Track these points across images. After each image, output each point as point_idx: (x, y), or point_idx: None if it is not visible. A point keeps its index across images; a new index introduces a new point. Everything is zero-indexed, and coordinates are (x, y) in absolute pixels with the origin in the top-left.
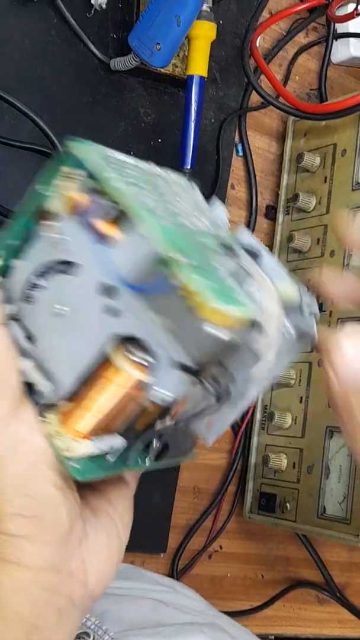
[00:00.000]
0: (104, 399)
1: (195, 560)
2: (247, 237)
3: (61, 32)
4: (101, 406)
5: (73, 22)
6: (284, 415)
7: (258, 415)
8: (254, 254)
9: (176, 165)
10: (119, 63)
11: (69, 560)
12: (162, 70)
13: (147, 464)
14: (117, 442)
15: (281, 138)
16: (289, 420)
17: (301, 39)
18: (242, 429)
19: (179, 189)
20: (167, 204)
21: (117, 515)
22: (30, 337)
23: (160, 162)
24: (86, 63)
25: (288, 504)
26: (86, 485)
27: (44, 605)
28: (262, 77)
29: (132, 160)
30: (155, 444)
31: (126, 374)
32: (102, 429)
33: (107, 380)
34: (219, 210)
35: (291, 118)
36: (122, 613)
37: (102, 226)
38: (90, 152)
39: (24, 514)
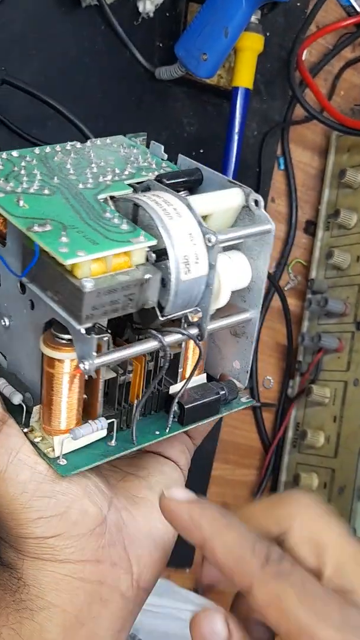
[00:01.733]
0: (62, 392)
1: None
2: (186, 161)
3: (108, 39)
4: (64, 399)
5: (120, 29)
6: (317, 434)
7: (290, 433)
8: (192, 172)
9: None
10: (164, 72)
11: (108, 548)
12: (207, 80)
13: (166, 432)
14: (98, 424)
15: (324, 153)
16: (321, 439)
17: (347, 53)
18: (273, 446)
19: (104, 152)
20: (56, 178)
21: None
22: (4, 355)
23: None
24: (131, 71)
25: None
26: (125, 473)
27: (85, 596)
28: (307, 90)
29: (37, 149)
30: (173, 407)
31: (60, 361)
32: (80, 417)
33: (52, 374)
34: (156, 150)
35: (334, 133)
36: (155, 627)
37: (2, 226)
38: None
39: (46, 515)
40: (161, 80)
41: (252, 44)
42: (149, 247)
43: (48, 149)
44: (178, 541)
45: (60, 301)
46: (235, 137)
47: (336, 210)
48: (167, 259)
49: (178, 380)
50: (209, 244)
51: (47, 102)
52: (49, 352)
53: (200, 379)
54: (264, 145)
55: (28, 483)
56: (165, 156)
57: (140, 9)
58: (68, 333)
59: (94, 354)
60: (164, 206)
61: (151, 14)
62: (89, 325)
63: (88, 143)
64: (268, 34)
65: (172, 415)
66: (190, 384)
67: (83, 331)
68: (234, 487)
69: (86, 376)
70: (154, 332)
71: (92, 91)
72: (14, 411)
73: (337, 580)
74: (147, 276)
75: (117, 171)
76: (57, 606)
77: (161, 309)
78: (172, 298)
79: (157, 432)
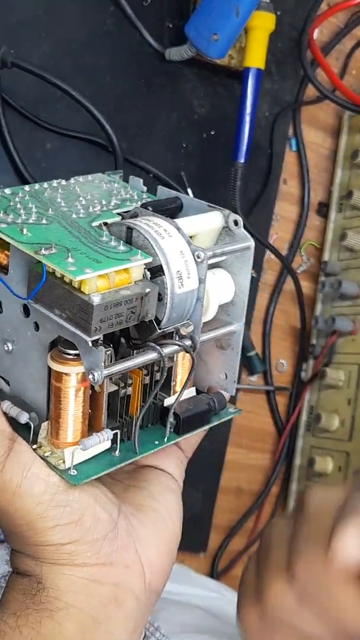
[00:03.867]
0: (69, 405)
1: (235, 561)
2: (165, 192)
3: (117, 20)
4: (70, 412)
5: (129, 10)
6: (331, 417)
7: (304, 417)
8: (172, 201)
9: (229, 158)
10: (175, 53)
11: (121, 552)
12: (217, 61)
13: (165, 441)
14: (104, 435)
15: (336, 133)
16: (336, 422)
17: (359, 32)
18: (287, 430)
19: (88, 188)
20: (51, 210)
21: (162, 508)
22: (7, 380)
23: (213, 155)
24: (141, 52)
25: None
26: (127, 485)
27: (101, 597)
28: (319, 70)
29: (27, 187)
30: (169, 418)
31: (67, 375)
32: (86, 430)
33: (60, 387)
34: (136, 184)
35: (347, 113)
36: (173, 615)
37: (2, 255)
38: None
39: (62, 523)
40: (171, 61)
41: (263, 23)
42: (145, 264)
43: (37, 186)
44: (192, 526)
45: (68, 317)
46: (247, 119)
47: (349, 192)
48: (163, 274)
49: (171, 393)
50: (198, 259)
51: (57, 85)
52: (57, 366)
53: (190, 392)
54: (276, 127)
55: (43, 494)
56: (145, 189)
57: None
58: (74, 348)
59: (102, 364)
60: (155, 228)
61: None
62: (97, 337)
63: (72, 180)
64: (279, 12)
65: (169, 426)
66: (182, 397)
67: (91, 344)
68: (247, 471)
69: (90, 390)
70: (152, 344)
71: (102, 73)
72: (21, 430)
73: None
74: (147, 290)
75: (104, 202)
76: (75, 607)
77: (158, 322)
78: (168, 311)
79: (157, 442)
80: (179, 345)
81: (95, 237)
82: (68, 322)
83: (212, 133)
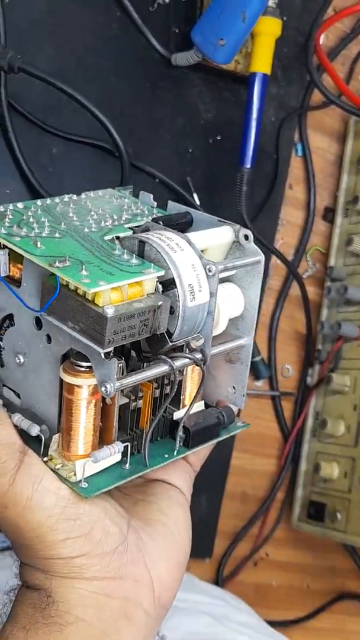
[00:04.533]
0: (80, 417)
1: (240, 567)
2: (176, 207)
3: (123, 25)
4: (82, 424)
5: (135, 15)
6: (337, 422)
7: (310, 422)
8: (183, 216)
9: (235, 163)
10: (181, 58)
11: (131, 566)
12: (224, 66)
13: (174, 454)
14: (115, 448)
15: (342, 138)
16: (341, 428)
17: None
18: (292, 435)
19: (99, 203)
20: (64, 224)
21: (171, 522)
22: (17, 393)
23: (218, 160)
24: (147, 57)
25: (338, 514)
26: (136, 499)
27: (111, 612)
28: (325, 75)
29: (39, 201)
30: (179, 431)
31: (79, 387)
32: (97, 442)
33: (72, 400)
34: (146, 199)
35: (353, 118)
36: (179, 624)
37: (15, 268)
38: None
39: (72, 536)
40: (177, 66)
41: (270, 29)
42: (157, 278)
43: (49, 200)
44: (197, 531)
45: (81, 329)
46: (253, 124)
47: (355, 197)
48: (175, 287)
49: (180, 407)
50: (209, 273)
51: (63, 90)
52: (69, 378)
53: (199, 405)
54: (282, 132)
55: (53, 508)
56: (155, 204)
57: None
58: (86, 361)
59: (115, 376)
60: (167, 242)
61: (167, 0)
62: (110, 349)
63: (83, 195)
64: (285, 18)
65: (179, 439)
66: (191, 411)
67: (103, 355)
68: (253, 476)
69: (101, 403)
70: (164, 357)
71: (108, 78)
72: (32, 443)
73: None
74: (159, 303)
75: (115, 217)
76: (85, 620)
77: (169, 335)
78: (180, 324)
79: (166, 455)
80: (190, 359)
81: (108, 251)
82: (81, 334)
83: (218, 138)
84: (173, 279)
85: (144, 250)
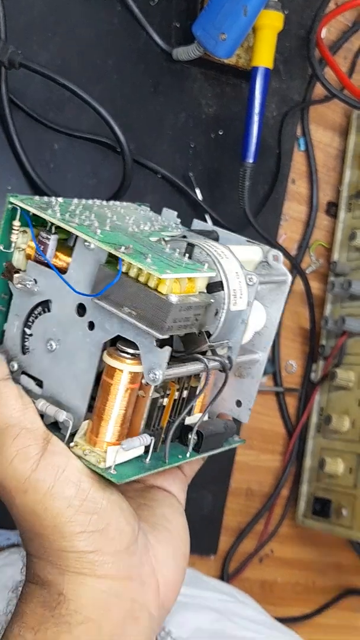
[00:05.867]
0: (116, 403)
1: (246, 564)
2: (201, 224)
3: (124, 20)
4: (116, 411)
5: (136, 10)
6: (342, 418)
7: (314, 418)
8: (209, 233)
9: (237, 158)
10: (182, 53)
11: (139, 567)
12: (225, 60)
13: (187, 456)
14: (143, 440)
15: (344, 132)
16: (346, 423)
17: None
18: (297, 432)
19: (128, 211)
20: (108, 221)
21: (173, 527)
22: (38, 382)
23: (221, 155)
24: (148, 52)
25: (343, 510)
26: (138, 503)
27: (120, 612)
28: (327, 69)
29: (76, 200)
30: (192, 435)
31: (120, 371)
32: (126, 433)
33: (111, 384)
34: (169, 215)
35: (355, 112)
36: (185, 619)
37: (56, 259)
38: (31, 202)
39: (88, 530)
40: (179, 61)
41: (271, 22)
42: (209, 278)
43: (84, 201)
44: (202, 528)
45: (138, 315)
46: (256, 118)
47: (358, 191)
48: (222, 290)
49: (192, 413)
50: (249, 282)
51: (64, 85)
52: (112, 362)
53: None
54: (284, 126)
55: (73, 499)
56: (179, 221)
57: None
58: (134, 348)
59: (166, 364)
60: (214, 248)
61: None
62: (168, 335)
63: (110, 202)
64: (287, 11)
65: (192, 442)
66: (199, 419)
67: (158, 343)
68: (258, 473)
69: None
70: (199, 356)
71: (109, 73)
72: (52, 430)
73: None
74: (211, 300)
75: (149, 224)
76: (94, 621)
77: (208, 335)
78: (220, 326)
79: (180, 457)
80: (221, 362)
81: (159, 249)
82: (138, 320)
83: (220, 133)
84: (221, 282)
85: (192, 253)
